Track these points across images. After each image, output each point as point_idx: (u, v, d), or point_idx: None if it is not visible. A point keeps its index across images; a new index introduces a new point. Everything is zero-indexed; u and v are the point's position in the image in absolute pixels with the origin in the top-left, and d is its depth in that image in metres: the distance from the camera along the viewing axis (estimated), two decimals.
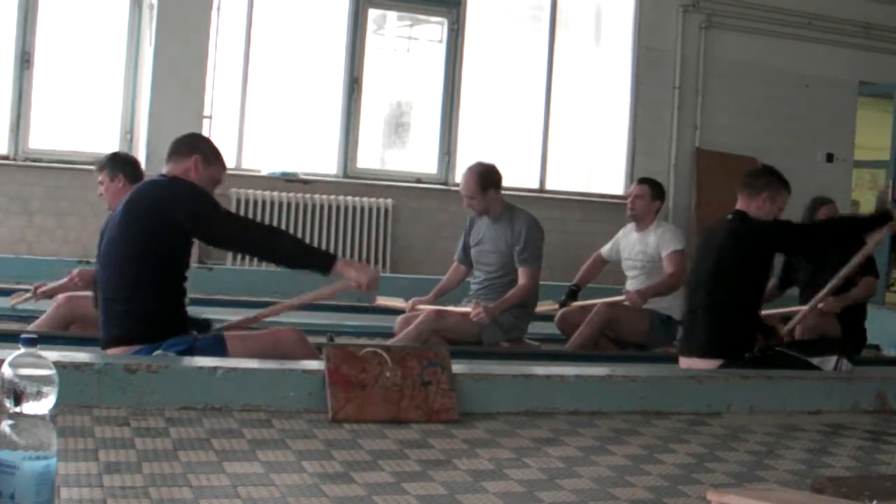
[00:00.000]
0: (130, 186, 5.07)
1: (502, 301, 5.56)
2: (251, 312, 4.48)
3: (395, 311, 6.03)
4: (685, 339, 4.83)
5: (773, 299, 6.29)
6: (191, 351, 3.76)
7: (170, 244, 3.85)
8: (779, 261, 6.67)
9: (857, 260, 5.23)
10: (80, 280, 5.01)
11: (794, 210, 5.65)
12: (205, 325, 4.20)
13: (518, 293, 5.58)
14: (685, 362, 4.71)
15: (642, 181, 6.39)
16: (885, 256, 9.40)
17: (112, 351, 3.81)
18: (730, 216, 4.76)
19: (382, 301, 6.22)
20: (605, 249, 6.52)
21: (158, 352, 3.73)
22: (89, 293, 5.15)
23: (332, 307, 6.72)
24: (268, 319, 4.41)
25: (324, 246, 8.24)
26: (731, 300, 4.61)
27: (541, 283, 5.84)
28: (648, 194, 6.20)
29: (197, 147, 4.03)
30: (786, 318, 5.69)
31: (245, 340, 3.89)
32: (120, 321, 3.82)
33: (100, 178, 5.14)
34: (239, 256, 8.26)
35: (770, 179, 4.77)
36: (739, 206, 4.75)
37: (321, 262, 3.94)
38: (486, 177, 5.74)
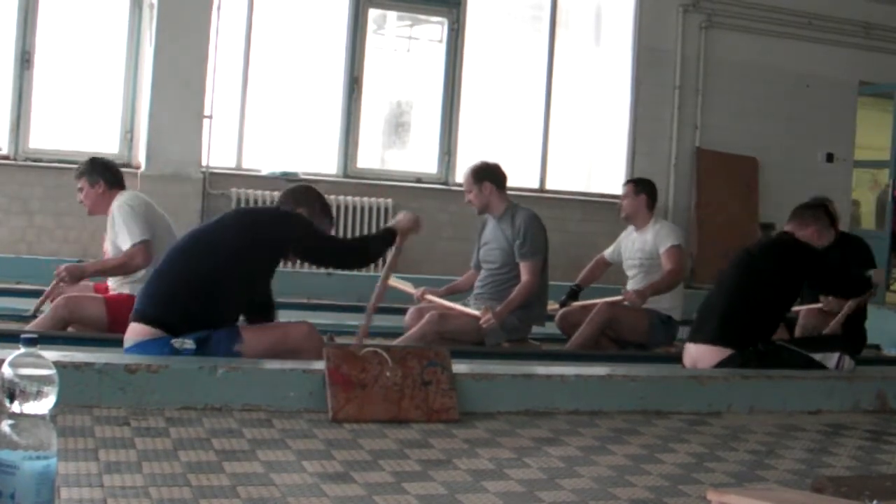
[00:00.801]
0: (110, 192, 5.13)
1: (508, 303, 5.55)
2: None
3: (400, 310, 6.01)
4: (696, 326, 4.84)
5: None
6: (208, 338, 3.83)
7: (257, 267, 4.10)
8: None
9: (838, 321, 5.55)
10: (67, 274, 4.99)
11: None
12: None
13: (522, 291, 5.57)
14: (692, 349, 4.71)
15: (627, 182, 6.53)
16: (884, 256, 9.40)
17: (136, 325, 3.92)
18: (775, 234, 4.92)
19: (394, 282, 6.24)
20: (607, 252, 6.52)
21: (177, 339, 3.79)
22: (88, 294, 5.15)
23: (333, 307, 6.73)
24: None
25: None
26: (754, 295, 4.67)
27: (548, 282, 5.83)
28: (632, 190, 6.23)
29: (306, 201, 4.39)
30: (785, 319, 5.69)
31: (258, 332, 4.03)
32: (167, 307, 3.94)
33: (79, 185, 5.19)
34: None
35: (820, 214, 5.02)
36: (788, 229, 4.99)
37: (389, 241, 4.56)
38: (482, 170, 5.75)
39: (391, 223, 4.69)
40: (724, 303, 4.71)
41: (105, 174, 5.17)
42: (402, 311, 5.98)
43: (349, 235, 8.79)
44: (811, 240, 4.89)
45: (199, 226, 4.46)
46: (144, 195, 5.35)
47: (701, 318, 4.84)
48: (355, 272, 8.57)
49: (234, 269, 3.98)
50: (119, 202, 5.06)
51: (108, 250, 5.20)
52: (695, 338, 4.78)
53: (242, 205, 8.46)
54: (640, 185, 6.28)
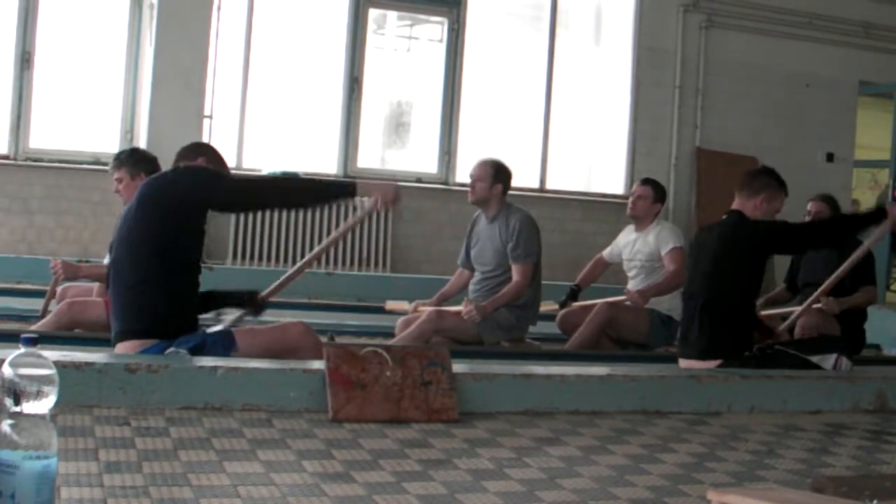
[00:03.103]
0: None
1: (495, 299, 5.56)
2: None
3: (402, 314, 6.01)
4: (682, 342, 4.82)
5: (784, 303, 6.29)
6: (202, 346, 3.79)
7: (182, 234, 3.88)
8: (785, 264, 6.69)
9: (853, 258, 5.23)
10: (62, 269, 4.98)
11: (795, 210, 5.65)
12: (252, 296, 4.33)
13: (510, 290, 5.57)
14: (684, 364, 4.71)
15: (646, 182, 6.37)
16: (884, 257, 9.40)
17: (124, 344, 3.83)
18: (725, 216, 4.77)
19: (391, 305, 6.26)
20: (606, 252, 6.52)
21: (171, 349, 3.75)
22: (89, 298, 5.15)
23: (333, 307, 6.73)
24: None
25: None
26: (726, 300, 4.60)
27: (543, 281, 5.84)
28: (651, 196, 6.20)
29: (203, 151, 4.16)
30: (785, 318, 5.69)
31: (254, 334, 3.97)
32: (133, 315, 3.84)
33: (117, 176, 5.03)
34: (239, 254, 8.31)
35: (768, 181, 4.78)
36: (736, 205, 4.75)
37: (343, 188, 4.12)
38: (501, 171, 5.77)
39: (367, 182, 4.36)
40: (701, 312, 4.62)
41: (146, 165, 5.01)
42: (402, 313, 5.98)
43: (348, 235, 8.78)
44: (761, 207, 4.68)
45: (118, 228, 4.15)
46: None
47: (685, 332, 4.78)
48: (355, 272, 8.60)
49: (164, 250, 3.81)
50: None
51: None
52: (683, 352, 4.76)
53: None
54: (659, 193, 6.23)
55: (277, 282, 4.46)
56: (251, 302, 4.33)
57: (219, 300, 4.31)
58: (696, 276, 4.77)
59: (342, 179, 4.38)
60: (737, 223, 4.69)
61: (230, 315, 4.28)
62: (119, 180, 5.04)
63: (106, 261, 5.32)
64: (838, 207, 6.27)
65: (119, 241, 3.98)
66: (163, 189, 3.91)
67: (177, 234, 3.86)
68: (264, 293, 4.37)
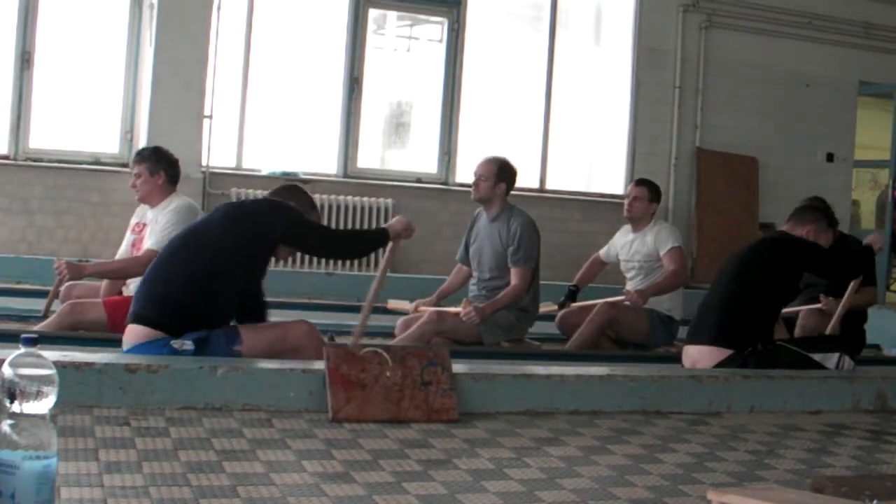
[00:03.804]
0: (170, 186, 5.11)
1: (493, 301, 5.56)
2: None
3: (403, 314, 6.01)
4: (695, 327, 4.83)
5: (785, 304, 6.30)
6: (207, 338, 3.83)
7: (251, 261, 4.08)
8: None
9: (839, 314, 5.42)
10: (66, 269, 4.98)
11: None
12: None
13: (508, 294, 5.57)
14: (691, 350, 4.69)
15: (640, 182, 6.40)
16: (884, 257, 9.40)
17: (136, 328, 3.90)
18: (769, 235, 4.92)
19: (393, 304, 6.26)
20: (602, 252, 6.52)
21: (176, 340, 3.78)
22: (89, 299, 5.14)
23: (333, 307, 6.73)
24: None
25: None
26: (749, 295, 4.66)
27: (541, 282, 5.83)
28: (647, 196, 6.21)
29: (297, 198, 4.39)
30: (785, 318, 5.69)
31: (257, 332, 4.02)
32: (163, 306, 3.93)
33: (136, 171, 5.12)
34: None
35: (819, 216, 5.02)
36: (785, 228, 5.01)
37: (381, 241, 4.54)
38: (506, 170, 5.77)
39: (385, 225, 4.68)
40: (721, 303, 4.70)
41: (168, 167, 5.14)
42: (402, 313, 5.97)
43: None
44: (807, 238, 4.88)
45: (190, 224, 4.42)
46: (197, 206, 5.33)
47: (699, 319, 4.83)
48: (355, 272, 8.60)
49: (228, 264, 3.96)
50: (178, 206, 5.05)
51: (132, 243, 5.18)
52: (693, 339, 4.77)
53: None
54: (654, 193, 6.26)
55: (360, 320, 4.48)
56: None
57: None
58: (725, 273, 4.87)
59: (377, 230, 4.84)
60: (785, 235, 4.94)
61: None
62: (138, 175, 5.12)
63: (121, 253, 5.31)
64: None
65: (187, 238, 4.11)
66: (263, 216, 4.12)
67: (246, 260, 4.04)
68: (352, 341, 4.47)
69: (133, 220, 5.34)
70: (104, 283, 5.31)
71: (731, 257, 5.01)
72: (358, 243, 4.69)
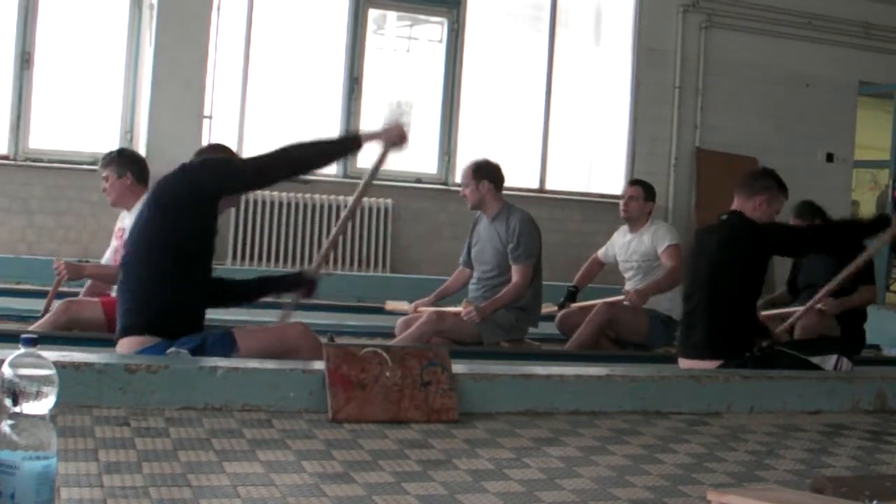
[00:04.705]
0: (139, 186, 5.08)
1: (494, 300, 5.56)
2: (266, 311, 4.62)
3: (402, 314, 6.02)
4: (682, 341, 4.82)
5: (785, 305, 6.29)
6: (203, 346, 3.80)
7: (196, 231, 3.91)
8: (786, 266, 6.69)
9: (856, 264, 5.22)
10: (65, 270, 4.98)
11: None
12: (302, 276, 4.55)
13: (510, 291, 5.57)
14: (684, 364, 4.71)
15: (635, 182, 6.47)
16: (884, 258, 9.40)
17: (126, 340, 3.85)
18: (725, 216, 4.76)
19: (391, 306, 6.26)
20: (601, 252, 6.54)
21: (172, 349, 3.75)
22: (86, 299, 5.14)
23: (333, 307, 6.72)
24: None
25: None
26: (727, 300, 4.60)
27: (542, 282, 5.84)
28: (642, 196, 6.23)
29: (219, 150, 4.30)
30: (785, 319, 5.69)
31: (254, 334, 3.98)
32: (138, 311, 3.86)
33: (105, 174, 5.11)
34: (239, 254, 8.36)
35: (768, 182, 4.77)
36: (735, 206, 4.74)
37: (349, 142, 4.22)
38: (482, 168, 5.76)
39: (372, 132, 4.27)
40: (702, 316, 4.63)
41: (133, 166, 5.10)
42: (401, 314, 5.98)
43: (348, 236, 8.80)
44: (760, 209, 4.67)
45: (131, 227, 4.23)
46: None
47: (685, 333, 4.78)
48: (355, 272, 8.60)
49: (174, 243, 3.84)
50: None
51: (115, 250, 5.17)
52: (683, 352, 4.76)
53: (241, 206, 8.47)
54: (649, 192, 6.27)
55: (318, 256, 4.62)
56: (304, 282, 4.43)
57: (273, 284, 4.45)
58: (697, 277, 4.77)
59: (345, 135, 4.45)
60: (738, 224, 4.67)
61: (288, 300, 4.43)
62: (106, 178, 5.10)
63: (104, 260, 5.34)
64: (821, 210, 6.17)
65: (131, 239, 4.02)
66: (179, 182, 3.92)
67: (190, 231, 3.88)
68: (311, 269, 4.54)
69: (116, 226, 5.33)
70: (89, 282, 5.30)
71: (698, 251, 4.83)
72: (305, 157, 4.09)
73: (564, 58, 9.87)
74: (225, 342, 3.86)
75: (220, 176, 3.95)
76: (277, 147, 3.99)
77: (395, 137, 4.14)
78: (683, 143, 10.12)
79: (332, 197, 8.81)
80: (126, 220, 5.11)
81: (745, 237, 4.64)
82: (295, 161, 4.08)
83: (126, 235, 5.01)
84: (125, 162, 5.12)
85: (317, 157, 4.14)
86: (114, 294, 5.07)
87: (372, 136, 4.14)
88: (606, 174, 10.12)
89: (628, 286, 6.15)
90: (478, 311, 5.46)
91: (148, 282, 3.85)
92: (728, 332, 4.59)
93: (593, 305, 6.03)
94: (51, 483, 1.99)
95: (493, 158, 6.01)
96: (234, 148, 8.55)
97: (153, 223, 3.88)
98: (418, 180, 9.30)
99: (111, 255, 5.24)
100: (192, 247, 3.90)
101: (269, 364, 3.66)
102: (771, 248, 4.78)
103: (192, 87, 8.22)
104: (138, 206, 5.00)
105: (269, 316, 4.79)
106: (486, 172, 5.76)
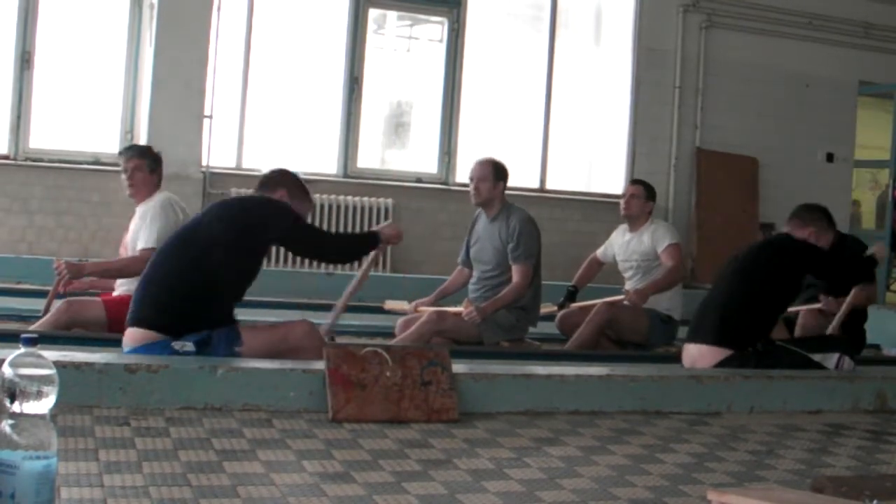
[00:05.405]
0: (158, 184, 5.14)
1: (495, 300, 5.56)
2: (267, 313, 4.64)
3: (401, 314, 6.01)
4: (695, 326, 4.83)
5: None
6: (208, 340, 3.82)
7: (246, 263, 4.08)
8: None
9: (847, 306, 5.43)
10: (66, 269, 4.98)
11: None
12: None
13: (510, 292, 5.57)
14: (691, 349, 4.70)
15: (636, 181, 6.50)
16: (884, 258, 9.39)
17: (133, 330, 3.89)
18: (774, 233, 4.93)
19: (390, 305, 6.26)
20: (600, 251, 6.53)
21: (177, 342, 3.77)
22: (88, 297, 5.14)
23: (332, 307, 6.71)
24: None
25: None
26: (750, 296, 4.66)
27: (542, 282, 5.83)
28: (643, 195, 6.23)
29: (283, 182, 4.35)
30: (785, 319, 5.68)
31: (259, 331, 4.02)
32: (157, 307, 3.91)
33: (134, 164, 5.13)
34: None
35: (819, 217, 5.07)
36: (786, 230, 5.05)
37: (371, 246, 4.64)
38: (501, 170, 5.79)
39: (375, 228, 4.80)
40: (722, 303, 4.71)
41: (160, 167, 5.22)
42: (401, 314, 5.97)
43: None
44: (811, 241, 4.90)
45: (185, 224, 4.37)
46: (182, 203, 5.32)
47: (699, 318, 4.84)
48: (355, 273, 8.60)
49: (226, 263, 3.94)
50: (163, 201, 5.05)
51: (127, 244, 5.18)
52: (693, 338, 4.77)
53: None
54: (650, 192, 6.29)
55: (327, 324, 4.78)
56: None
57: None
58: (725, 274, 4.89)
59: (367, 234, 4.94)
60: (788, 237, 4.97)
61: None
62: (137, 168, 5.13)
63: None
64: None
65: (182, 238, 4.09)
66: (255, 211, 4.13)
67: (242, 262, 4.03)
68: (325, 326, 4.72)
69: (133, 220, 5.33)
70: (91, 279, 5.31)
71: (733, 257, 5.02)
72: (347, 249, 4.76)
73: (564, 58, 9.87)
74: (230, 336, 3.90)
75: (297, 231, 4.20)
76: (337, 235, 4.35)
77: (395, 236, 4.71)
78: (683, 143, 10.11)
79: (332, 196, 8.81)
80: (137, 212, 5.14)
81: (784, 248, 4.86)
82: (340, 249, 4.69)
83: (133, 226, 5.06)
84: (157, 159, 5.21)
85: (354, 250, 4.79)
86: (117, 291, 5.07)
87: (384, 233, 4.63)
88: (606, 174, 10.12)
89: (628, 286, 6.15)
90: (478, 311, 5.46)
91: (183, 284, 3.93)
92: (743, 323, 4.62)
93: (593, 305, 6.03)
94: (51, 483, 1.99)
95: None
96: (233, 148, 8.71)
97: (217, 233, 3.97)
98: (418, 180, 9.30)
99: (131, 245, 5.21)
100: (235, 273, 4.03)
101: (270, 364, 3.66)
102: (806, 265, 4.87)
103: (192, 87, 8.22)
104: (149, 200, 5.04)
105: (271, 315, 4.78)
106: (504, 174, 5.80)
